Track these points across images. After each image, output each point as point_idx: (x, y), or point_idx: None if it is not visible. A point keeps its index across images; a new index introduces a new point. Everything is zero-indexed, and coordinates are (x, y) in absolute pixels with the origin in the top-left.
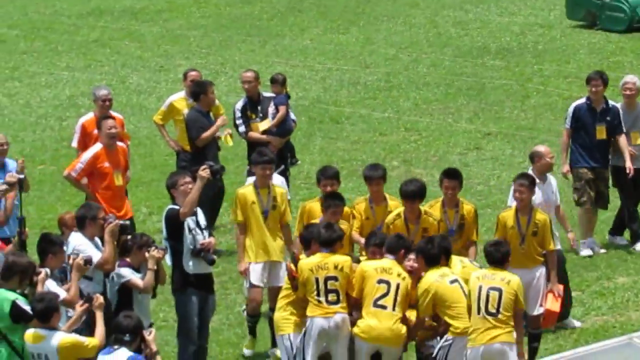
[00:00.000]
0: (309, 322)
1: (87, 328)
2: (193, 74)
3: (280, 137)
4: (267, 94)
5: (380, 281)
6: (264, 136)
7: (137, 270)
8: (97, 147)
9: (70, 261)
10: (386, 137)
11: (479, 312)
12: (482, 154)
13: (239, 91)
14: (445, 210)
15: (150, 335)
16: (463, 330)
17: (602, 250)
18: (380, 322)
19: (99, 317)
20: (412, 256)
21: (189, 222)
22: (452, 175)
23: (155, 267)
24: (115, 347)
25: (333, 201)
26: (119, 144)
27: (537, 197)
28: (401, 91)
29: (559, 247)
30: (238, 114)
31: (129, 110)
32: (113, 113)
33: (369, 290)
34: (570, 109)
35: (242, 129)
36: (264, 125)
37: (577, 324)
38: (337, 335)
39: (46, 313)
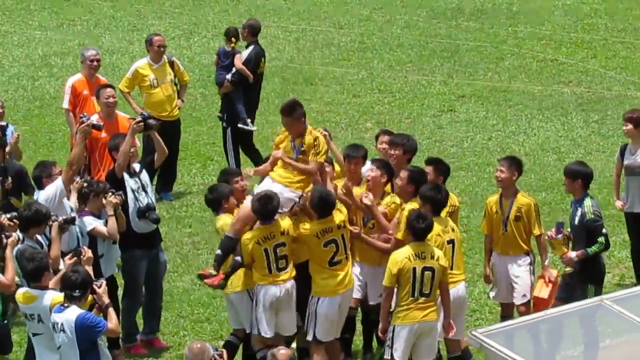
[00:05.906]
0: (260, 290)
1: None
2: (158, 39)
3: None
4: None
5: (326, 244)
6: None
7: (98, 217)
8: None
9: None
10: (360, 99)
11: (413, 294)
12: (456, 116)
13: (211, 51)
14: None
15: (100, 287)
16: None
17: None
18: (338, 275)
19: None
20: (372, 165)
21: (131, 183)
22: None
23: (114, 213)
24: (66, 304)
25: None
26: (122, 114)
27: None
28: (375, 52)
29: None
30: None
31: (102, 70)
32: (98, 76)
33: (317, 254)
34: None
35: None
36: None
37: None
38: (288, 301)
39: (37, 272)
